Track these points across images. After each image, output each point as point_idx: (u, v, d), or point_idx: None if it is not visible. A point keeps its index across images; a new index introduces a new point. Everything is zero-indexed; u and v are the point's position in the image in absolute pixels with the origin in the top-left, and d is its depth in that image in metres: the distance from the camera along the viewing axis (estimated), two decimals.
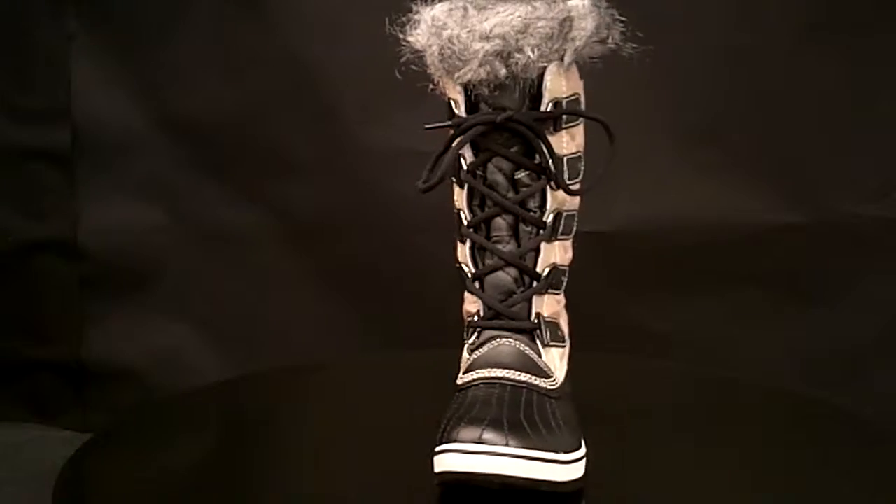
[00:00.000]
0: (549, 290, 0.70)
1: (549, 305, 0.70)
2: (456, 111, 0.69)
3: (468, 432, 0.60)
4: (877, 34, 1.20)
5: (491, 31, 0.66)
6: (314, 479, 0.70)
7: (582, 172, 0.70)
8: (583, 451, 0.64)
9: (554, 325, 0.70)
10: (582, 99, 0.70)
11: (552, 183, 0.68)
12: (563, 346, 0.70)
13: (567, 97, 0.68)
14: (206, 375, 1.30)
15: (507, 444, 0.60)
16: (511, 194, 0.68)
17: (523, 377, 0.65)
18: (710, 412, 0.84)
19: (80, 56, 1.31)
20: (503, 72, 0.66)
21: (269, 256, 1.33)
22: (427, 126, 0.69)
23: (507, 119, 0.66)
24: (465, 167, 0.69)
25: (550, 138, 0.67)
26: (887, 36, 1.20)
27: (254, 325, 1.34)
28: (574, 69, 0.69)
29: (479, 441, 0.60)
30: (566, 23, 0.67)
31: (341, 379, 0.95)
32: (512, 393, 0.64)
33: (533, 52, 0.66)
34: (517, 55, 0.66)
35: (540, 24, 0.66)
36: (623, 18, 0.70)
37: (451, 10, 0.68)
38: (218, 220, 1.33)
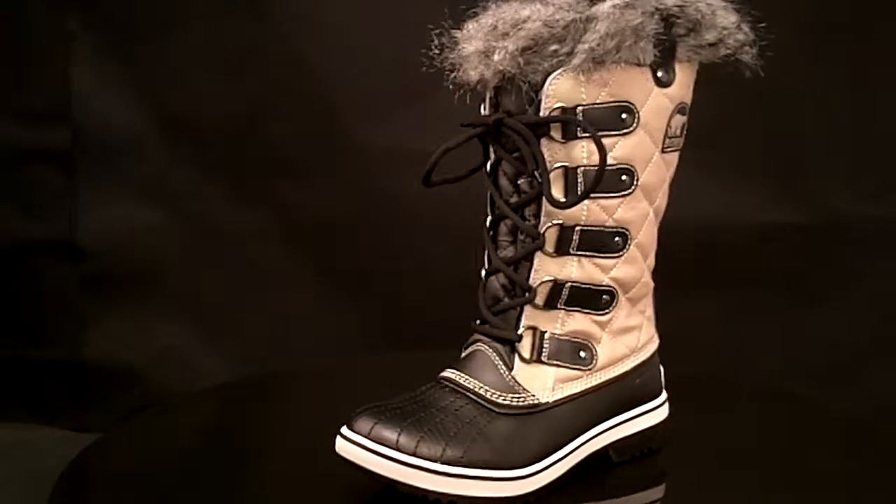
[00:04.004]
0: (570, 307, 0.67)
1: (571, 323, 0.68)
2: (481, 110, 0.68)
3: (353, 419, 0.63)
4: (877, 34, 1.20)
5: (478, 32, 0.65)
6: (314, 480, 0.70)
7: (622, 186, 0.66)
8: (504, 472, 0.62)
9: (570, 345, 0.68)
10: (648, 108, 0.66)
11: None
12: (577, 370, 0.68)
13: (590, 105, 0.64)
14: (206, 376, 1.30)
15: (367, 436, 0.62)
16: (514, 199, 0.67)
17: (471, 384, 0.66)
18: (709, 412, 0.84)
19: (80, 56, 1.31)
20: (488, 74, 0.64)
21: (269, 256, 1.33)
22: (462, 124, 0.68)
23: (497, 122, 0.66)
24: (486, 169, 0.69)
25: (560, 146, 0.65)
26: (887, 36, 1.20)
27: (254, 325, 1.34)
28: (629, 74, 0.65)
29: (351, 428, 0.62)
30: (575, 25, 0.63)
31: (341, 379, 0.95)
32: (444, 396, 0.65)
33: (498, 54, 0.63)
34: (490, 58, 0.64)
35: (528, 25, 0.63)
36: (743, 23, 0.68)
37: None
38: (218, 220, 1.33)
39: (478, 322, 0.69)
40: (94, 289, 1.36)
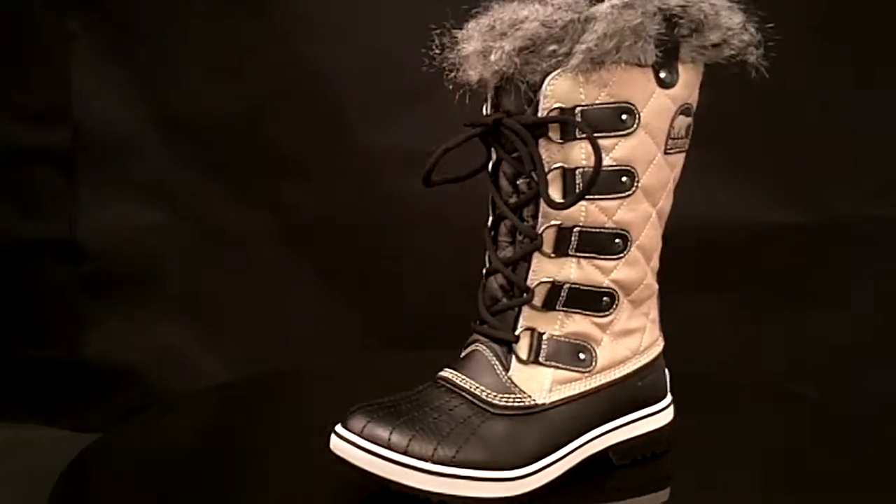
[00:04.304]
0: (570, 309, 0.67)
1: (570, 325, 0.67)
2: (484, 110, 0.68)
3: (347, 417, 0.63)
4: (877, 34, 1.20)
5: (477, 32, 0.65)
6: (314, 480, 0.70)
7: (621, 187, 0.66)
8: (497, 473, 0.62)
9: (569, 347, 0.67)
10: (650, 109, 0.65)
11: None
12: (575, 372, 0.67)
13: (589, 105, 0.64)
14: (206, 376, 1.30)
15: (359, 434, 0.62)
16: (513, 200, 0.67)
17: (467, 384, 0.65)
18: (710, 412, 0.84)
19: (80, 56, 1.31)
20: (487, 74, 0.64)
21: (269, 256, 1.33)
22: (465, 124, 0.68)
23: (496, 122, 0.65)
24: (489, 169, 0.69)
25: (558, 147, 0.64)
26: (887, 36, 1.20)
27: (254, 325, 1.34)
28: (630, 75, 0.64)
29: (345, 426, 0.63)
30: (573, 25, 0.63)
31: (341, 379, 0.95)
32: (440, 395, 0.65)
33: (495, 55, 0.63)
34: (487, 58, 0.64)
35: (526, 25, 0.63)
36: (751, 25, 0.67)
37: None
38: (218, 220, 1.33)
39: (477, 322, 0.69)
40: (94, 289, 1.36)
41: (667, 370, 0.74)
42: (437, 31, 0.67)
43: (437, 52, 0.66)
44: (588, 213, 0.66)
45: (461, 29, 0.67)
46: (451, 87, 0.67)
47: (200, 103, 1.30)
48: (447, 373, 0.67)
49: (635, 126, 0.65)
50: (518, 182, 0.67)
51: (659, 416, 0.73)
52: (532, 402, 0.65)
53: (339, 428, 0.63)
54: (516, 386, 0.66)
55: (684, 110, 0.69)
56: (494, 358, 0.66)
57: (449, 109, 0.68)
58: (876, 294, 1.25)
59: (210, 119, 1.30)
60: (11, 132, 1.34)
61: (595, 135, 0.64)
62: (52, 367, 1.38)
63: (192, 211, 1.33)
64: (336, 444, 0.63)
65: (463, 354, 0.68)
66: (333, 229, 1.31)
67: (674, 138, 0.68)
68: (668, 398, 0.74)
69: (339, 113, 1.28)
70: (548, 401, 0.66)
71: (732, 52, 0.67)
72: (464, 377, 0.66)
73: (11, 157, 1.35)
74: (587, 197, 0.65)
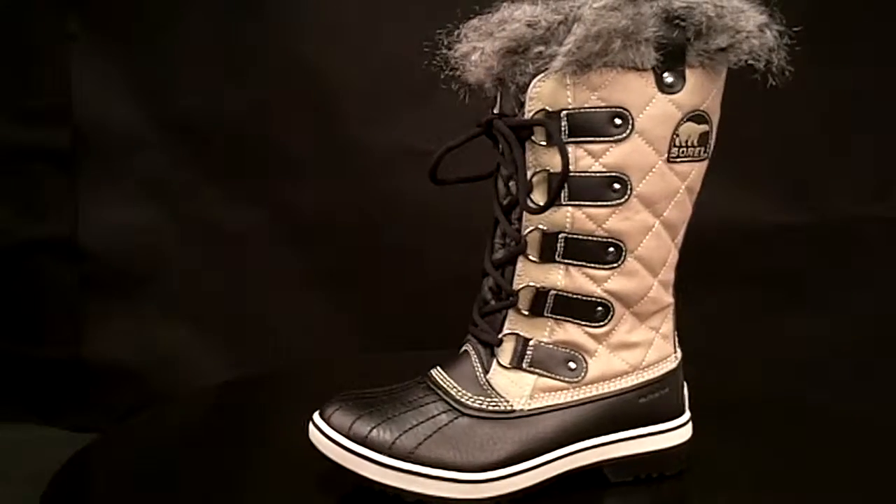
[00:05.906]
0: (559, 316, 0.65)
1: (560, 333, 0.66)
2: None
3: (323, 406, 0.65)
4: (876, 34, 1.20)
5: (469, 32, 0.65)
6: (315, 480, 0.70)
7: (612, 195, 0.63)
8: (458, 474, 0.61)
9: (557, 355, 0.66)
10: (648, 114, 0.62)
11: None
12: (561, 381, 0.66)
13: (576, 109, 0.62)
14: (206, 375, 1.30)
15: (326, 422, 0.63)
16: (506, 202, 0.66)
17: (446, 383, 0.65)
18: (708, 413, 0.84)
19: (80, 56, 1.31)
20: (479, 74, 0.64)
21: (269, 256, 1.33)
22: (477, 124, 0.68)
23: (487, 123, 0.65)
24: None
25: (543, 150, 0.63)
26: (887, 36, 1.20)
27: (254, 325, 1.34)
28: (626, 79, 0.61)
29: (321, 416, 0.64)
30: (558, 27, 0.61)
31: (340, 380, 0.94)
32: (417, 391, 0.65)
33: (476, 55, 0.62)
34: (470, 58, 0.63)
35: (510, 26, 0.62)
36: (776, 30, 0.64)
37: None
38: (218, 220, 1.33)
39: (471, 323, 0.69)
40: (94, 289, 1.36)
41: (685, 386, 0.72)
42: (441, 31, 0.66)
43: (444, 51, 0.66)
44: (574, 219, 0.64)
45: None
46: (453, 86, 0.66)
47: (200, 104, 1.30)
48: (434, 371, 0.67)
49: (629, 131, 0.63)
50: (510, 184, 0.66)
51: (667, 436, 0.70)
52: (509, 407, 0.64)
53: (315, 416, 0.64)
54: (493, 389, 0.65)
55: (693, 117, 0.65)
56: (477, 360, 0.66)
57: (449, 109, 0.68)
58: (876, 294, 1.25)
59: (210, 119, 1.30)
60: (11, 132, 1.34)
61: (583, 139, 0.62)
62: (52, 367, 1.38)
63: (192, 211, 1.33)
64: (310, 432, 0.64)
65: (457, 352, 0.68)
66: (333, 229, 1.31)
67: (680, 146, 0.65)
68: (683, 418, 0.71)
69: (339, 113, 1.28)
70: (527, 407, 0.65)
71: (742, 56, 0.64)
72: (445, 376, 0.66)
73: (11, 157, 1.35)
74: (574, 203, 0.63)
